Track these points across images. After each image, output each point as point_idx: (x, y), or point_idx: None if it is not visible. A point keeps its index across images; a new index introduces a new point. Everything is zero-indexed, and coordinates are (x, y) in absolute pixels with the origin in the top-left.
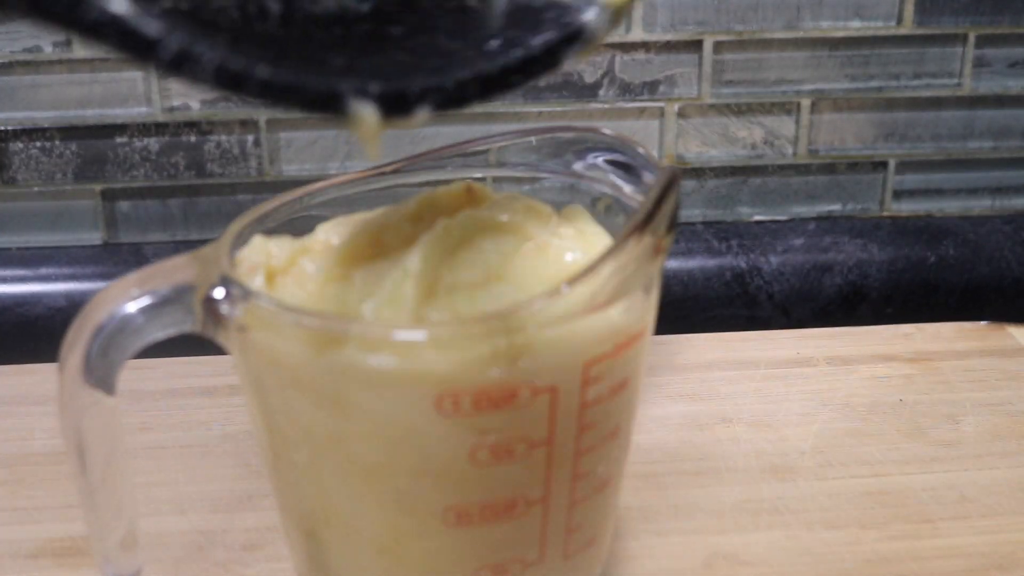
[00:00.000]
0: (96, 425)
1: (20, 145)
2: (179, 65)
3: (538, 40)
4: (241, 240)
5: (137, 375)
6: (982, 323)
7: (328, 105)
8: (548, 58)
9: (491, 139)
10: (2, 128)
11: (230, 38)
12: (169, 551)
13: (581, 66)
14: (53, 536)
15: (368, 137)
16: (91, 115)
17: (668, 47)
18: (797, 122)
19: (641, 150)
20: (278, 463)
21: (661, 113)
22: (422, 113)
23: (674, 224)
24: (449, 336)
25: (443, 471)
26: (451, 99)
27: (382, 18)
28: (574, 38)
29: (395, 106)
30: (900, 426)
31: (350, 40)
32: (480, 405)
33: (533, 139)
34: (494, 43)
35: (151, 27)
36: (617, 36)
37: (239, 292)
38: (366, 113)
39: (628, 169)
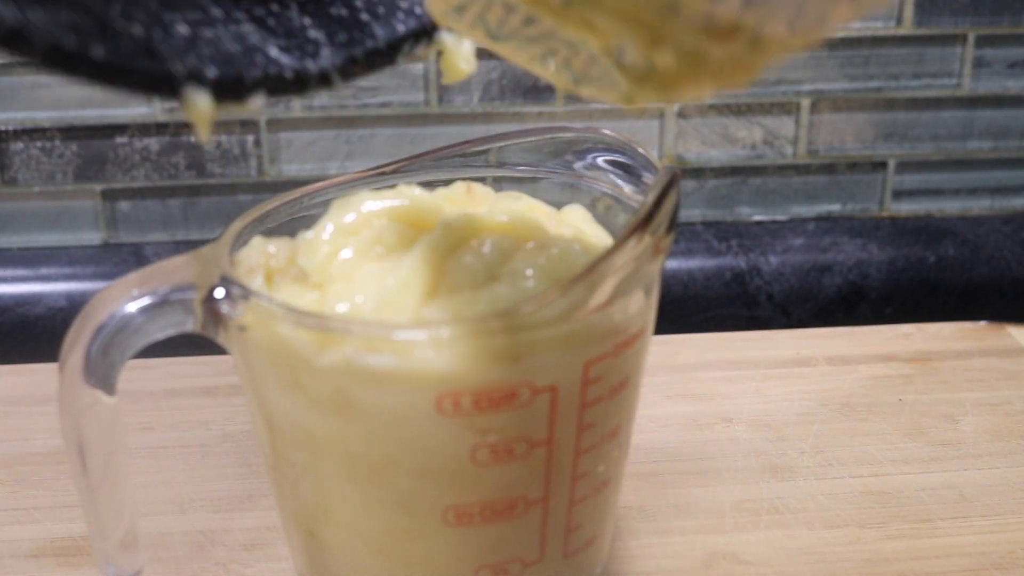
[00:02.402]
0: (96, 425)
1: (21, 145)
2: (8, 44)
3: (385, 32)
4: (241, 240)
5: (137, 375)
6: (982, 323)
7: (161, 89)
8: (391, 52)
9: (491, 139)
10: (3, 128)
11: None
12: (169, 551)
13: None
14: (54, 536)
15: (200, 122)
16: (91, 115)
17: None
18: (797, 122)
19: (641, 150)
20: (278, 463)
21: (661, 113)
22: (256, 100)
23: (674, 224)
24: (449, 336)
25: (443, 471)
26: (288, 88)
27: None
28: (422, 34)
29: (229, 92)
30: (899, 426)
31: (201, 6)
32: (480, 405)
33: (533, 139)
34: (342, 34)
35: None
36: None
37: (239, 292)
38: (199, 99)
39: (628, 169)
